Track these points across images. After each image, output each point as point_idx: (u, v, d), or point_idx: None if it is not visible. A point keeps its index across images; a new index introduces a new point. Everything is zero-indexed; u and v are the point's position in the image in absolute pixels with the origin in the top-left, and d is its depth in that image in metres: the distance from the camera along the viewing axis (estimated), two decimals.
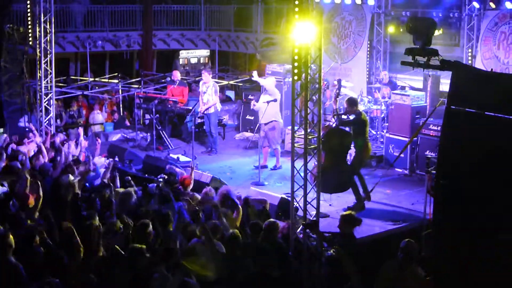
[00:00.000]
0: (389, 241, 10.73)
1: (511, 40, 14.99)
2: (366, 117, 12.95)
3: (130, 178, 11.84)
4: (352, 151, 12.87)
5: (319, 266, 9.21)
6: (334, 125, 12.45)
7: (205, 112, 16.33)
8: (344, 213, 9.73)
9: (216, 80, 23.48)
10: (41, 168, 12.16)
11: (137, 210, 10.27)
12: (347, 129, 12.55)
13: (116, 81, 23.62)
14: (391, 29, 17.38)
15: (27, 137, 14.63)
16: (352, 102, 12.72)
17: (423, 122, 14.04)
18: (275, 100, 14.79)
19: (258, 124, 15.03)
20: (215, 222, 9.23)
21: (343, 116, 12.62)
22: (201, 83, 16.59)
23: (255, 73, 15.62)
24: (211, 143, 16.59)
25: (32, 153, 13.77)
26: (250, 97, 15.82)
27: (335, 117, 12.49)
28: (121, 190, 11.13)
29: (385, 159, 15.32)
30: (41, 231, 8.34)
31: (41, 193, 10.10)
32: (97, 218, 9.04)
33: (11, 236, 7.84)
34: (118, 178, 11.83)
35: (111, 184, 11.16)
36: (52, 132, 15.88)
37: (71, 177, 10.98)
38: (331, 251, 8.56)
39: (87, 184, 11.63)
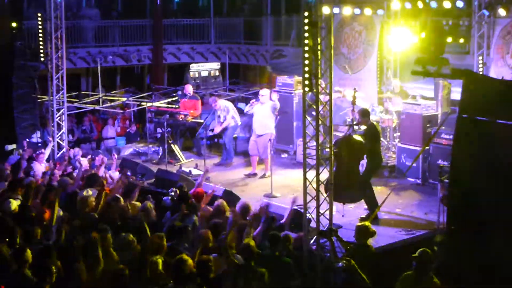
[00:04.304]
0: (403, 251, 10.69)
1: None
2: (379, 128, 12.93)
3: (150, 196, 11.94)
4: (364, 161, 12.85)
5: (333, 276, 9.20)
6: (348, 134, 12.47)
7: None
8: (359, 223, 9.75)
9: (227, 92, 23.56)
10: (60, 182, 12.25)
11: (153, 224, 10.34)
12: (361, 139, 12.52)
13: (124, 98, 23.70)
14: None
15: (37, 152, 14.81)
16: (364, 113, 12.72)
17: (435, 131, 14.00)
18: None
19: (255, 135, 15.26)
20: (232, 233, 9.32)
21: (355, 127, 12.62)
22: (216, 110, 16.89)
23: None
24: (224, 154, 16.77)
25: (44, 169, 13.92)
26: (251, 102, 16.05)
27: (349, 127, 12.49)
28: (137, 203, 11.20)
29: (398, 169, 15.26)
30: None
31: (57, 209, 10.15)
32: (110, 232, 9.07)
33: (28, 251, 7.89)
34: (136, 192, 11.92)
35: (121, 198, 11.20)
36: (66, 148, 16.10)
37: (90, 192, 11.05)
38: (342, 262, 8.56)
39: None
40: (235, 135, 18.09)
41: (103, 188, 11.29)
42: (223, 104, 16.72)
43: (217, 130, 16.69)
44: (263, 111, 15.30)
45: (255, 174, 15.40)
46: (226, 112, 16.54)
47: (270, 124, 15.28)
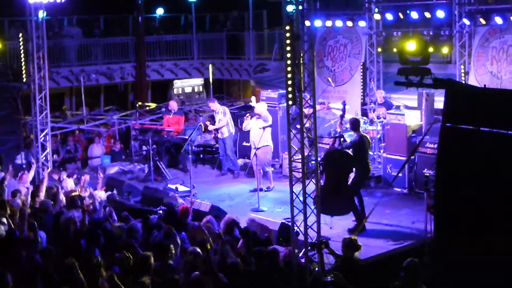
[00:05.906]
0: (391, 261, 10.70)
1: (503, 54, 15.04)
2: (368, 139, 12.91)
3: (127, 213, 11.83)
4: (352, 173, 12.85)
5: None
6: (337, 146, 12.48)
7: (219, 137, 16.64)
8: (346, 237, 9.75)
9: None
10: (41, 204, 12.13)
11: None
12: (349, 151, 12.53)
13: (109, 114, 23.60)
14: (382, 49, 17.40)
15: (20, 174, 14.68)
16: (355, 124, 12.76)
17: (420, 141, 14.05)
18: (270, 126, 15.07)
19: (254, 149, 15.14)
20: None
21: (342, 139, 12.63)
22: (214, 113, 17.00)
23: (253, 99, 16.08)
24: (228, 166, 16.88)
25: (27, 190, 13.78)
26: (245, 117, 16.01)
27: (337, 139, 12.50)
28: (118, 224, 11.12)
29: (384, 179, 15.31)
30: (44, 269, 8.31)
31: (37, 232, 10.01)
32: (98, 253, 8.99)
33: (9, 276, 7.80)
34: (114, 212, 11.78)
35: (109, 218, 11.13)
36: (50, 169, 15.92)
37: (74, 213, 10.97)
38: (330, 276, 8.55)
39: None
40: None
41: (85, 209, 11.21)
42: (221, 107, 16.75)
43: (211, 128, 16.83)
44: (259, 124, 15.29)
45: (260, 189, 14.84)
46: (223, 114, 16.55)
47: (265, 136, 15.26)
